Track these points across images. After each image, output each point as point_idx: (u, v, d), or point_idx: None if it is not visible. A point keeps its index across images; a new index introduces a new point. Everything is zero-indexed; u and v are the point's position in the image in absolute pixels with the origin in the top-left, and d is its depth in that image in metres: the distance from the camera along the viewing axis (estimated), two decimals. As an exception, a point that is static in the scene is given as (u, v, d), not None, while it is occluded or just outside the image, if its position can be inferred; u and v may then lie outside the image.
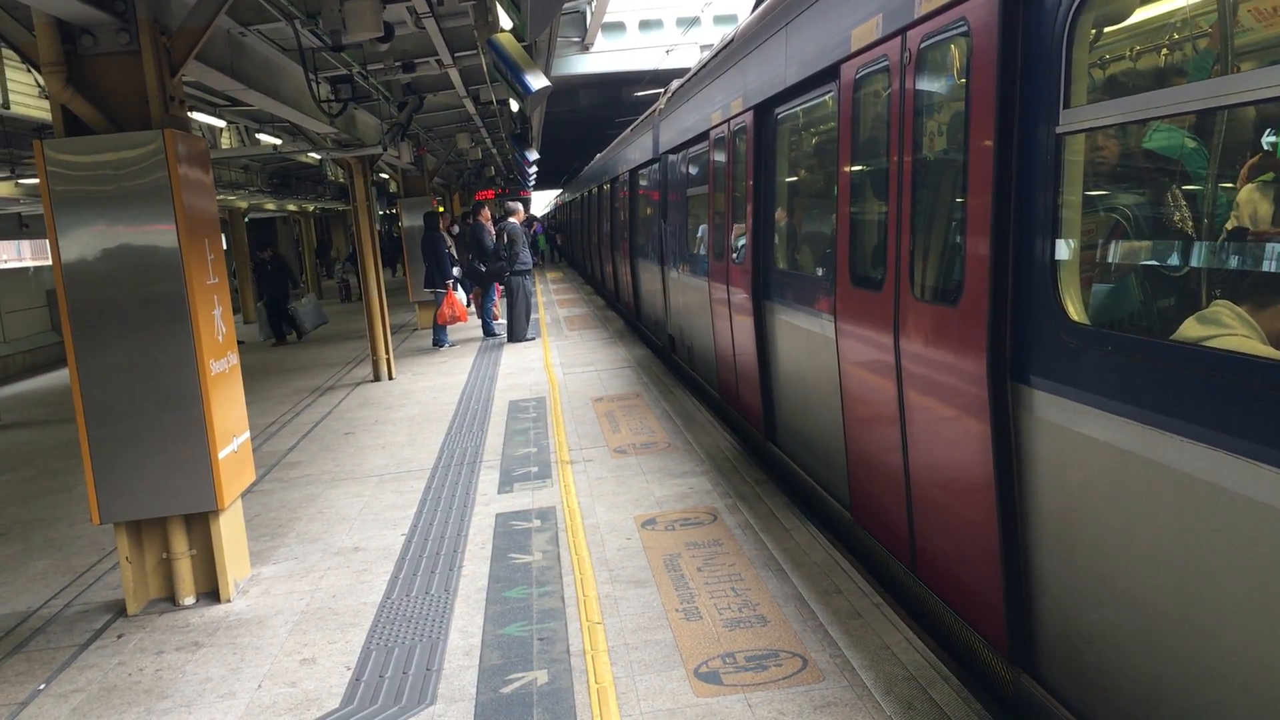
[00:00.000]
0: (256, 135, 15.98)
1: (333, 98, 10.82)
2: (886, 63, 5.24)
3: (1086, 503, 3.67)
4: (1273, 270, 3.71)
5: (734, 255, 9.04)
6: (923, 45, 4.81)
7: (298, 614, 5.81)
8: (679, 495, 7.48)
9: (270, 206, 28.85)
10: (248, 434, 6.51)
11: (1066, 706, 3.92)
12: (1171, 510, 3.16)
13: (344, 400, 13.09)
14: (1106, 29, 4.03)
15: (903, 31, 4.98)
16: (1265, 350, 3.27)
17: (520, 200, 20.71)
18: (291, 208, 31.16)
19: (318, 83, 9.71)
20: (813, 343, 6.81)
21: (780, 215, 8.09)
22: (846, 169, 6.01)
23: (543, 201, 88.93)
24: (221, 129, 17.08)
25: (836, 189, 6.19)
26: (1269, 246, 3.78)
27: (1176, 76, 4.16)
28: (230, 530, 6.21)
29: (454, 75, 12.31)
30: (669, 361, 14.50)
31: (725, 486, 7.60)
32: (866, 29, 5.45)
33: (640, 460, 8.62)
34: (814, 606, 5.26)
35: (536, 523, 7.11)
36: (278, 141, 15.43)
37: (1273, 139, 4.03)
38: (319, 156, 19.67)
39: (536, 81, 8.39)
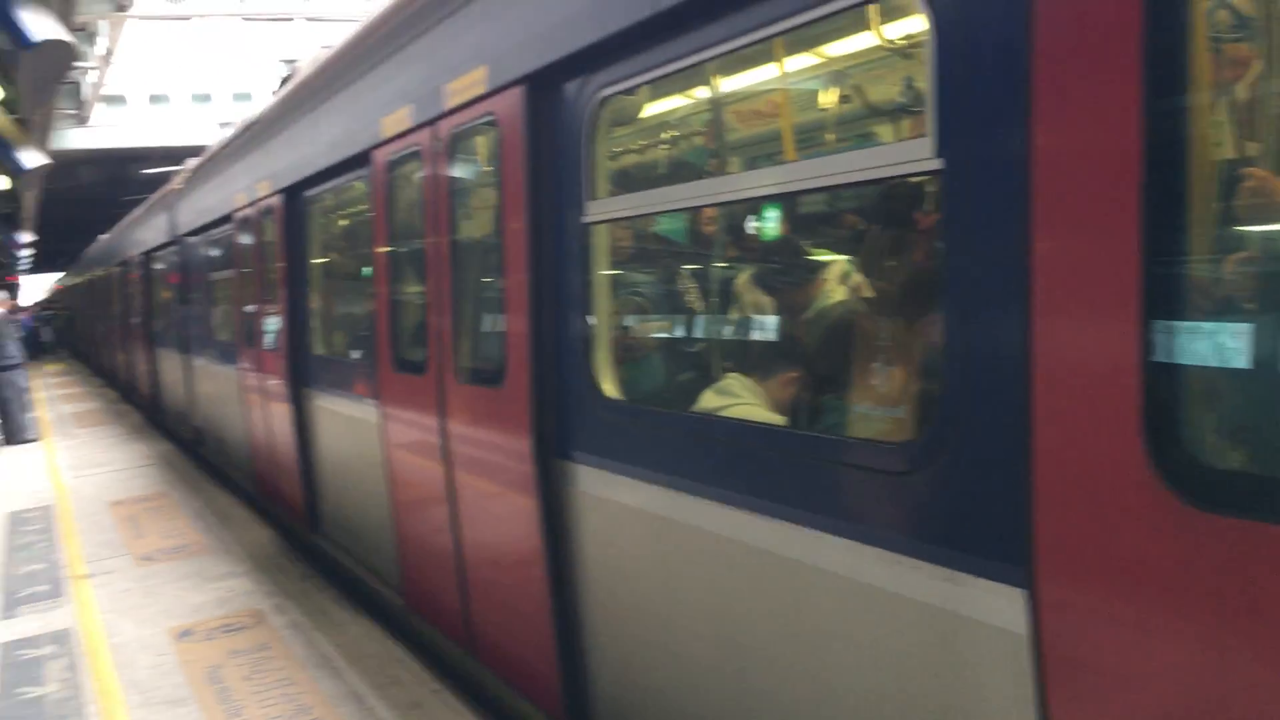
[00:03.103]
0: None
1: None
2: (419, 150, 5.35)
3: (631, 569, 3.91)
4: (771, 345, 4.21)
5: (267, 342, 8.69)
6: (454, 135, 4.96)
7: None
8: (219, 600, 6.99)
9: None
10: None
11: (624, 765, 4.11)
12: (703, 567, 3.45)
13: None
14: (622, 128, 4.41)
15: (434, 122, 5.12)
16: (769, 416, 3.70)
17: (6, 287, 18.60)
18: None
19: None
20: (356, 429, 6.70)
21: (316, 301, 7.92)
22: (383, 257, 6.03)
23: (43, 287, 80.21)
24: None
25: (374, 274, 6.18)
26: (765, 326, 4.29)
27: (688, 167, 4.65)
28: None
29: (-75, 147, 10.86)
30: (198, 456, 13.56)
31: (270, 586, 7.21)
32: (398, 118, 5.53)
33: (172, 566, 7.95)
34: (372, 702, 5.11)
35: (50, 649, 6.30)
36: None
37: (755, 224, 4.63)
38: None
39: (33, 158, 7.64)
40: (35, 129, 9.34)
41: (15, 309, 25.00)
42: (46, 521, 9.98)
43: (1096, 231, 2.09)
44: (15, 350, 15.54)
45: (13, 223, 16.11)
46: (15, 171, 7.49)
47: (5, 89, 5.78)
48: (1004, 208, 2.29)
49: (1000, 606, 2.32)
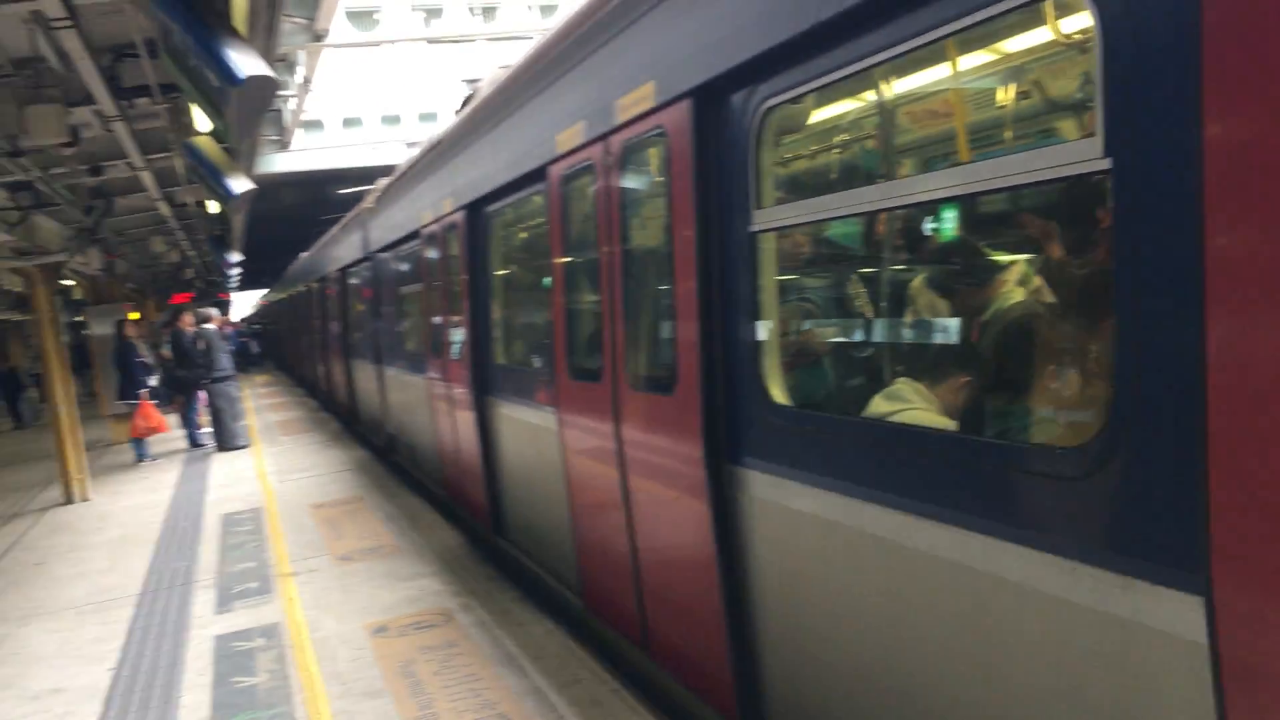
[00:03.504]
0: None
1: (11, 205, 10.08)
2: (592, 163, 5.51)
3: (801, 572, 3.95)
4: (942, 348, 4.17)
5: (452, 352, 9.08)
6: (625, 148, 5.10)
7: (-10, 771, 5.26)
8: (410, 599, 7.35)
9: (-66, 320, 26.26)
10: (-77, 575, 5.88)
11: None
12: (874, 572, 3.46)
13: (32, 528, 11.98)
14: (788, 135, 4.44)
15: (605, 136, 5.27)
16: (940, 421, 3.67)
17: (218, 303, 19.90)
18: (-41, 319, 28.46)
19: (-8, 189, 9.06)
20: (536, 435, 6.93)
21: (497, 312, 8.23)
22: (559, 268, 6.23)
23: (249, 303, 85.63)
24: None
25: (551, 286, 6.39)
26: (938, 329, 4.25)
27: (855, 173, 4.65)
28: (-96, 685, 5.56)
29: (146, 178, 11.78)
30: (390, 462, 14.23)
31: (457, 586, 7.53)
32: (571, 133, 5.72)
33: (367, 566, 8.40)
34: (554, 699, 5.30)
35: (260, 641, 6.77)
36: (-57, 250, 14.13)
37: (926, 226, 4.58)
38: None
39: (240, 184, 8.21)
40: (242, 157, 10.04)
41: (225, 324, 26.74)
42: (256, 523, 10.69)
43: (1271, 228, 2.03)
44: (227, 363, 16.67)
45: (223, 244, 17.29)
46: (225, 197, 8.07)
47: (214, 122, 6.27)
48: (1176, 205, 2.25)
49: (1177, 614, 2.26)
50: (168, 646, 6.91)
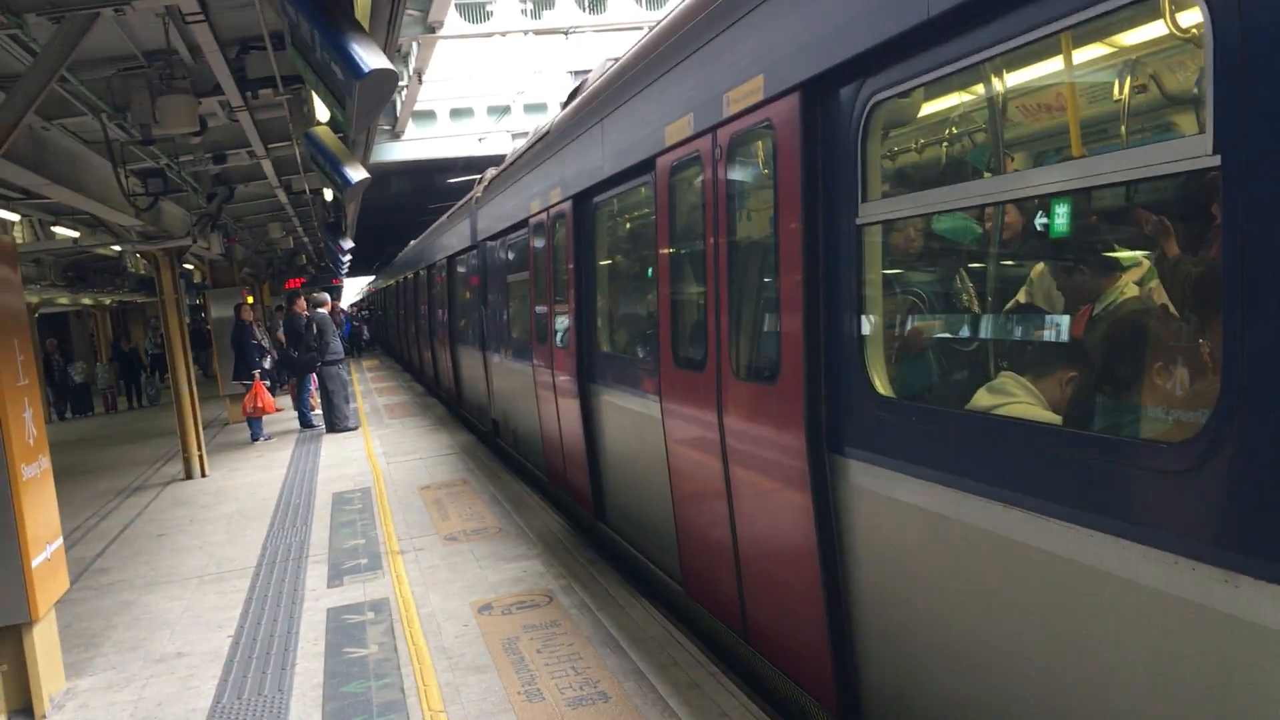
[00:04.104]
0: (52, 228, 15.29)
1: (142, 191, 10.55)
2: (699, 155, 5.57)
3: (901, 562, 3.97)
4: (1048, 343, 4.14)
5: (557, 340, 9.23)
6: (732, 141, 5.16)
7: (121, 726, 5.56)
8: (514, 579, 7.53)
9: (63, 300, 27.49)
10: (60, 540, 6.24)
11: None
12: (976, 563, 3.47)
13: (154, 501, 12.54)
14: (895, 129, 4.45)
15: (713, 129, 5.33)
16: (1045, 415, 3.66)
17: (330, 289, 20.46)
18: (86, 301, 29.75)
19: (126, 176, 9.48)
20: (638, 423, 7.03)
21: (602, 301, 8.34)
22: (665, 258, 6.31)
23: (356, 289, 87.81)
24: (14, 223, 16.28)
25: (656, 276, 6.48)
26: (1045, 321, 4.22)
27: (963, 167, 4.63)
28: (44, 642, 5.90)
29: (266, 166, 12.20)
30: (494, 446, 14.51)
31: (559, 568, 7.69)
32: (680, 126, 5.79)
33: (472, 546, 8.62)
34: (653, 680, 5.40)
35: (370, 615, 7.02)
36: (76, 234, 14.81)
37: (1044, 220, 4.52)
38: (120, 248, 18.98)
39: (356, 174, 8.45)
40: (359, 147, 10.35)
41: (335, 309, 27.47)
42: (365, 502, 11.02)
43: None
44: (339, 346, 17.17)
45: (337, 230, 17.80)
46: (342, 186, 8.34)
47: (335, 113, 6.48)
48: None
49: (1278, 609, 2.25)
50: (283, 617, 7.20)
